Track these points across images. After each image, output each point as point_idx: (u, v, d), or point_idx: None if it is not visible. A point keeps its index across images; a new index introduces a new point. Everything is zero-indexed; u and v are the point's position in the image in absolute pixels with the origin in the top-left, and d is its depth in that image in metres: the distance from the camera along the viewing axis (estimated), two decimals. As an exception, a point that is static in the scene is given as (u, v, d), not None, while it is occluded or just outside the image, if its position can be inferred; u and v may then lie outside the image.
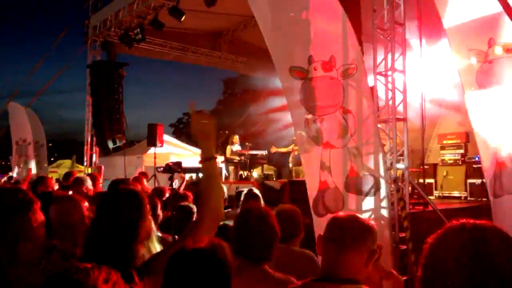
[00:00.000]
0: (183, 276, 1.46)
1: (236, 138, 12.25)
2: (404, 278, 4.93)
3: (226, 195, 4.81)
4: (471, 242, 1.09)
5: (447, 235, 1.15)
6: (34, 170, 12.27)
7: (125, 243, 1.69)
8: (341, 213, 1.91)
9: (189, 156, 14.44)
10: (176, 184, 8.59)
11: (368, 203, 4.25)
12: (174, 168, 6.55)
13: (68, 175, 6.64)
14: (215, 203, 1.91)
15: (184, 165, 10.25)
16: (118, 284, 1.08)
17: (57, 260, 2.26)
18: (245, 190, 4.71)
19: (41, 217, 1.73)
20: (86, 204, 2.60)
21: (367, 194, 4.27)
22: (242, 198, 4.43)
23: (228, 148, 11.97)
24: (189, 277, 1.45)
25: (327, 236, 1.81)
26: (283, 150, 12.82)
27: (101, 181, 6.68)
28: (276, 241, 2.20)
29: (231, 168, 12.04)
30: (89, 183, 4.85)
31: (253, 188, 5.40)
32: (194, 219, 3.69)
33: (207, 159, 2.00)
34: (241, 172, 12.04)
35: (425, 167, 9.22)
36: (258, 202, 4.49)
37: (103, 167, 10.67)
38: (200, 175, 11.73)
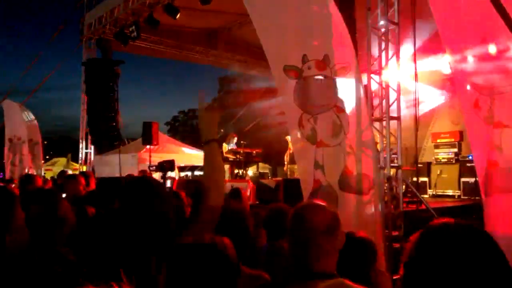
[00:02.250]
0: (185, 268, 1.43)
1: (234, 137, 12.20)
2: (397, 276, 4.98)
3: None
4: (451, 242, 1.10)
5: (428, 234, 1.16)
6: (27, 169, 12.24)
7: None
8: (303, 204, 1.83)
9: (183, 154, 14.43)
10: (168, 184, 8.57)
11: (361, 201, 4.27)
12: (166, 167, 6.53)
13: (62, 173, 6.63)
14: (218, 180, 1.94)
15: (178, 164, 10.24)
16: None
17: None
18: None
19: (20, 211, 1.78)
20: (66, 202, 2.60)
21: (360, 193, 4.28)
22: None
23: (225, 146, 11.96)
24: (192, 270, 1.43)
25: (292, 230, 1.74)
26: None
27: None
28: (250, 239, 2.26)
29: (227, 166, 12.05)
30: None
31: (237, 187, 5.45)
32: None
33: (208, 141, 1.97)
34: (236, 171, 12.05)
35: (419, 165, 9.27)
36: (240, 200, 4.52)
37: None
38: (196, 173, 11.75)
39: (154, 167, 8.03)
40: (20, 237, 1.68)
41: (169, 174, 7.94)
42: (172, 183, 7.89)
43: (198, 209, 1.94)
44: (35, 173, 10.60)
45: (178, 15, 11.28)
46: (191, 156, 14.00)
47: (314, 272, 1.63)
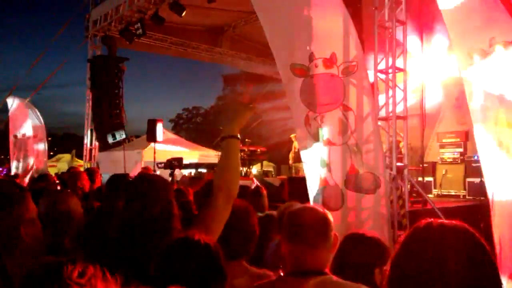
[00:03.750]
0: (172, 265, 1.49)
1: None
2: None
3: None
4: (436, 241, 1.11)
5: (414, 234, 1.18)
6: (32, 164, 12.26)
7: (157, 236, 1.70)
8: (296, 207, 1.93)
9: (188, 152, 14.44)
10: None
11: (367, 200, 4.26)
12: (175, 164, 6.54)
13: (70, 170, 6.65)
14: (229, 181, 1.90)
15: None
16: (95, 277, 1.05)
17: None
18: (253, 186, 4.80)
19: (33, 205, 1.81)
20: (75, 198, 2.61)
21: (366, 192, 4.27)
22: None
23: None
24: (177, 266, 1.48)
25: (289, 233, 1.85)
26: None
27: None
28: (255, 237, 2.25)
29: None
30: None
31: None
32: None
33: (228, 137, 1.96)
34: (241, 168, 12.03)
35: (424, 165, 9.24)
36: (262, 199, 4.55)
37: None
38: (200, 170, 11.76)
39: (162, 164, 8.03)
40: (33, 230, 1.70)
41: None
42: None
43: (205, 206, 1.94)
44: (41, 170, 10.62)
45: (184, 13, 11.28)
46: (195, 153, 14.02)
47: (306, 270, 1.74)
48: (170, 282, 1.39)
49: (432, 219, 1.19)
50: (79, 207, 2.52)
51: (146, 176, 2.00)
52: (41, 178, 5.29)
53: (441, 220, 1.18)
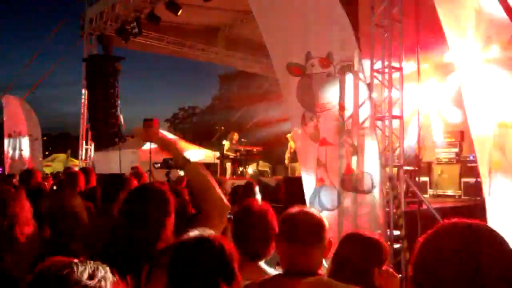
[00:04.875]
0: (185, 266, 1.48)
1: (236, 135, 12.08)
2: (399, 276, 4.97)
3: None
4: (462, 242, 1.09)
5: (439, 234, 1.15)
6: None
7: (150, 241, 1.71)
8: (293, 210, 1.97)
9: (184, 151, 14.40)
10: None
11: (364, 200, 4.26)
12: (171, 164, 6.50)
13: (67, 170, 6.61)
14: (214, 199, 1.97)
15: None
16: (105, 280, 1.03)
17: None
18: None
19: (28, 204, 1.79)
20: (78, 199, 2.59)
21: (362, 192, 4.27)
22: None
23: (227, 143, 11.90)
24: (191, 267, 1.47)
25: (284, 234, 1.89)
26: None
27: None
28: (273, 238, 2.22)
29: (228, 164, 12.00)
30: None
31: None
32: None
33: (182, 165, 2.05)
34: (239, 168, 11.98)
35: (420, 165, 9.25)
36: (253, 195, 4.52)
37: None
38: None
39: (159, 164, 7.97)
40: (28, 229, 1.69)
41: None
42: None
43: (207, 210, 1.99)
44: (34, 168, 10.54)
45: (180, 12, 11.25)
46: (191, 153, 13.98)
47: (299, 270, 1.78)
48: (181, 282, 1.39)
49: (456, 219, 1.15)
50: (84, 208, 2.51)
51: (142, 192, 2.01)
52: (28, 174, 5.26)
53: (465, 221, 1.14)
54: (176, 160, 2.06)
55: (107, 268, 1.06)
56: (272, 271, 2.13)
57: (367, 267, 1.94)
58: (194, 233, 1.56)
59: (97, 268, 1.04)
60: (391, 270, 2.08)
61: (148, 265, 1.69)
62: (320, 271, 1.84)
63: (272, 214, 2.29)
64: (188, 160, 2.06)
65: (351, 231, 2.43)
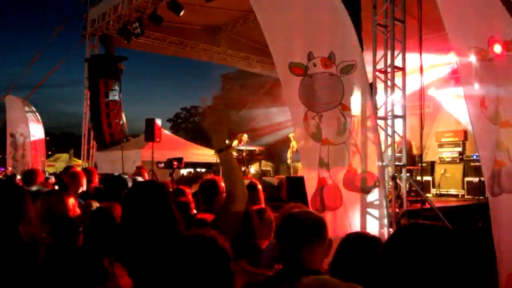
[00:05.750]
0: (182, 262, 1.49)
1: (245, 137, 11.94)
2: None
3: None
4: (419, 242, 1.14)
5: (398, 235, 1.23)
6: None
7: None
8: (294, 210, 2.01)
9: (186, 151, 14.41)
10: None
11: (366, 200, 4.24)
12: (175, 164, 6.49)
13: (67, 169, 6.62)
14: (240, 184, 2.17)
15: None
16: None
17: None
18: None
19: (32, 204, 1.82)
20: (72, 199, 2.59)
21: (365, 191, 4.25)
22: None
23: (235, 142, 11.84)
24: (188, 263, 1.48)
25: (284, 233, 1.90)
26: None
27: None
28: (254, 239, 2.34)
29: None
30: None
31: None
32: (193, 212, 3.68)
33: (221, 150, 2.17)
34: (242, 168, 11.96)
35: (423, 164, 9.23)
36: (257, 194, 4.51)
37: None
38: (198, 169, 11.72)
39: (162, 164, 7.97)
40: (31, 229, 1.71)
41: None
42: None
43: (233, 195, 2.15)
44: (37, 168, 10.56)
45: (182, 12, 11.25)
46: (193, 153, 13.98)
47: (301, 269, 1.78)
48: (177, 279, 1.41)
49: (415, 221, 1.25)
50: (76, 208, 2.51)
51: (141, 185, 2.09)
52: (31, 174, 5.27)
53: (423, 222, 1.22)
54: (218, 142, 2.17)
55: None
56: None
57: (368, 268, 1.94)
58: None
59: None
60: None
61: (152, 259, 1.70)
62: (321, 270, 1.85)
63: (253, 213, 2.41)
64: (227, 147, 2.20)
65: (353, 231, 2.43)
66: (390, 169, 5.66)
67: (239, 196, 2.15)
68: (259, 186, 4.73)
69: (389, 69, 5.94)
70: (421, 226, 1.20)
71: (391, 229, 5.00)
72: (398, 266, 1.12)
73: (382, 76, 5.96)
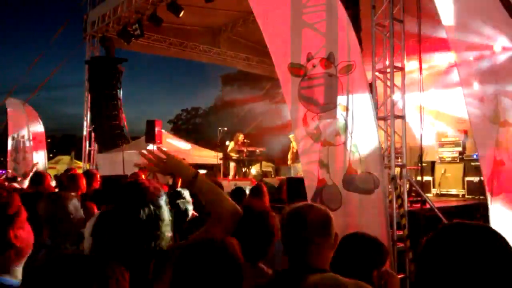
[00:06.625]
0: (192, 267, 1.47)
1: (242, 136, 11.95)
2: (402, 276, 4.95)
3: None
4: (462, 243, 1.10)
5: (441, 234, 1.16)
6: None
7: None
8: (297, 204, 1.90)
9: (186, 153, 14.41)
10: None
11: (366, 201, 4.24)
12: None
13: (67, 172, 6.63)
14: (227, 207, 1.87)
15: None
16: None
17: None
18: (247, 188, 4.84)
19: (23, 207, 1.79)
20: (75, 201, 2.59)
21: (365, 192, 4.25)
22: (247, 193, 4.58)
23: (232, 143, 11.85)
24: (199, 269, 1.46)
25: (289, 229, 1.83)
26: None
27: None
28: (274, 239, 2.20)
29: (232, 164, 11.97)
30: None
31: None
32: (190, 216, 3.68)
33: (194, 176, 1.95)
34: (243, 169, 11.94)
35: (423, 164, 9.22)
36: (262, 197, 4.52)
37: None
38: (199, 171, 11.69)
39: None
40: (22, 233, 1.69)
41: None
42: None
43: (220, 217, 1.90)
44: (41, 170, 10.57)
45: (182, 13, 11.26)
46: (194, 154, 13.98)
47: (308, 267, 1.72)
48: (186, 282, 1.38)
49: (458, 220, 1.18)
50: (79, 210, 2.52)
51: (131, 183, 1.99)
52: (39, 177, 5.29)
53: (467, 222, 1.17)
54: (187, 175, 1.95)
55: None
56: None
57: (366, 268, 1.94)
58: None
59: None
60: (390, 270, 2.07)
61: (156, 261, 1.67)
62: (327, 267, 1.78)
63: (272, 216, 2.26)
64: (197, 172, 1.98)
65: (353, 231, 2.42)
66: (390, 169, 5.66)
67: (226, 215, 1.85)
68: (265, 189, 4.77)
69: (388, 69, 5.94)
70: (465, 225, 1.15)
71: (390, 229, 5.01)
72: (442, 266, 1.09)
73: (381, 76, 5.97)
